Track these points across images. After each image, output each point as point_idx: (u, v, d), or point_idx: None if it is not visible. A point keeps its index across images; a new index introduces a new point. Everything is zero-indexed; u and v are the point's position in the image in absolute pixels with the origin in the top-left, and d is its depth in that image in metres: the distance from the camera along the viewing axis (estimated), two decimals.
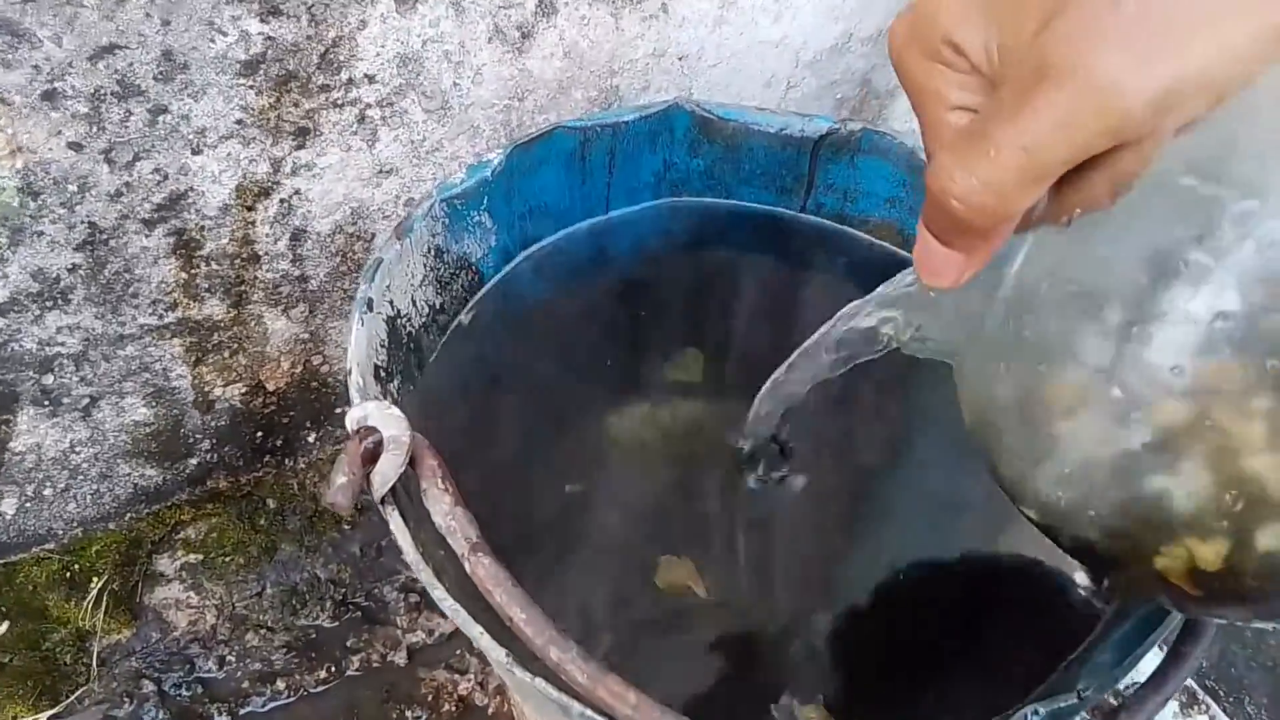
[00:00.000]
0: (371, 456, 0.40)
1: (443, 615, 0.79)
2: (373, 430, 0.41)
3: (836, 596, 0.52)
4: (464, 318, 0.59)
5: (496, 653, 0.38)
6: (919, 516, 0.55)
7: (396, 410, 0.41)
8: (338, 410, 0.77)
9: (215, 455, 0.73)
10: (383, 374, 0.49)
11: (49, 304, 0.58)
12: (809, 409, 0.52)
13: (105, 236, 0.57)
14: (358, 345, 0.46)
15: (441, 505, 0.40)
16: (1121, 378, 0.35)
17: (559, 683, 0.38)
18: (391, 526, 0.41)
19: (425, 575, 0.39)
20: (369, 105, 0.61)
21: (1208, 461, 0.34)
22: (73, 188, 0.55)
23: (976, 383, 0.41)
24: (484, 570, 0.39)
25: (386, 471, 0.41)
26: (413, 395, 0.53)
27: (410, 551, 0.40)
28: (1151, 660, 0.47)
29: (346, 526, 0.81)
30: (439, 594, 0.39)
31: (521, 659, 0.39)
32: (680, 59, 0.73)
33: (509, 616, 0.38)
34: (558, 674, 0.38)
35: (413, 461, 0.41)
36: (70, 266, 0.57)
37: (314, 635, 0.78)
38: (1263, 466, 0.33)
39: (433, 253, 0.55)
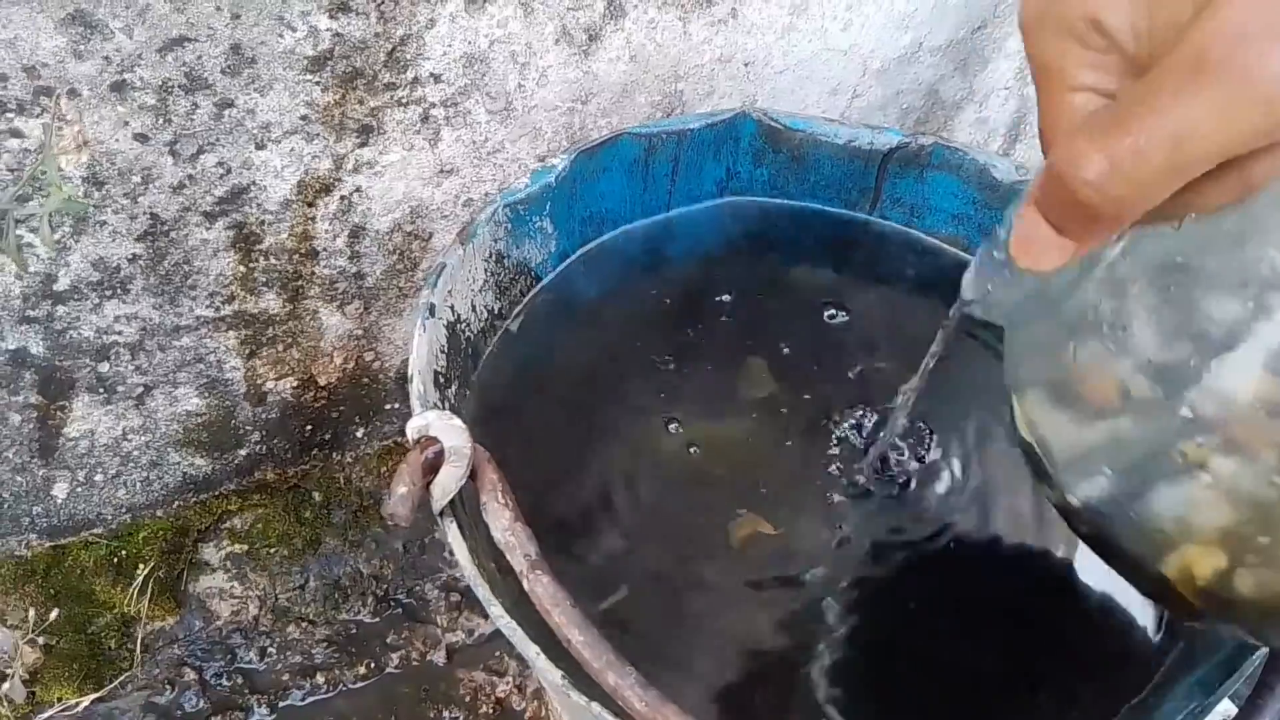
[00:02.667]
0: (432, 467, 0.40)
1: (483, 616, 0.79)
2: (434, 440, 0.40)
3: (881, 629, 0.50)
4: (513, 321, 0.58)
5: (553, 674, 0.38)
6: (977, 548, 0.54)
7: (458, 421, 0.40)
8: (387, 406, 0.77)
9: (264, 447, 0.73)
10: (441, 380, 0.48)
11: (108, 293, 0.58)
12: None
13: (166, 228, 0.57)
14: (419, 352, 0.45)
15: (501, 520, 0.39)
16: (1195, 401, 0.33)
17: (615, 708, 0.37)
18: (449, 539, 0.41)
19: (483, 592, 0.39)
20: (433, 105, 0.60)
21: (1246, 481, 0.33)
22: (136, 179, 0.54)
23: (1037, 355, 0.40)
24: (543, 589, 0.38)
25: (446, 483, 0.40)
26: (468, 400, 0.52)
27: (469, 567, 0.39)
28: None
29: (390, 522, 0.81)
30: (496, 611, 0.39)
31: (577, 681, 0.38)
32: (746, 65, 0.71)
33: (566, 638, 0.38)
34: (614, 699, 0.37)
35: (473, 474, 0.41)
36: (130, 256, 0.57)
37: (354, 630, 0.78)
38: None
39: (494, 258, 0.54)
